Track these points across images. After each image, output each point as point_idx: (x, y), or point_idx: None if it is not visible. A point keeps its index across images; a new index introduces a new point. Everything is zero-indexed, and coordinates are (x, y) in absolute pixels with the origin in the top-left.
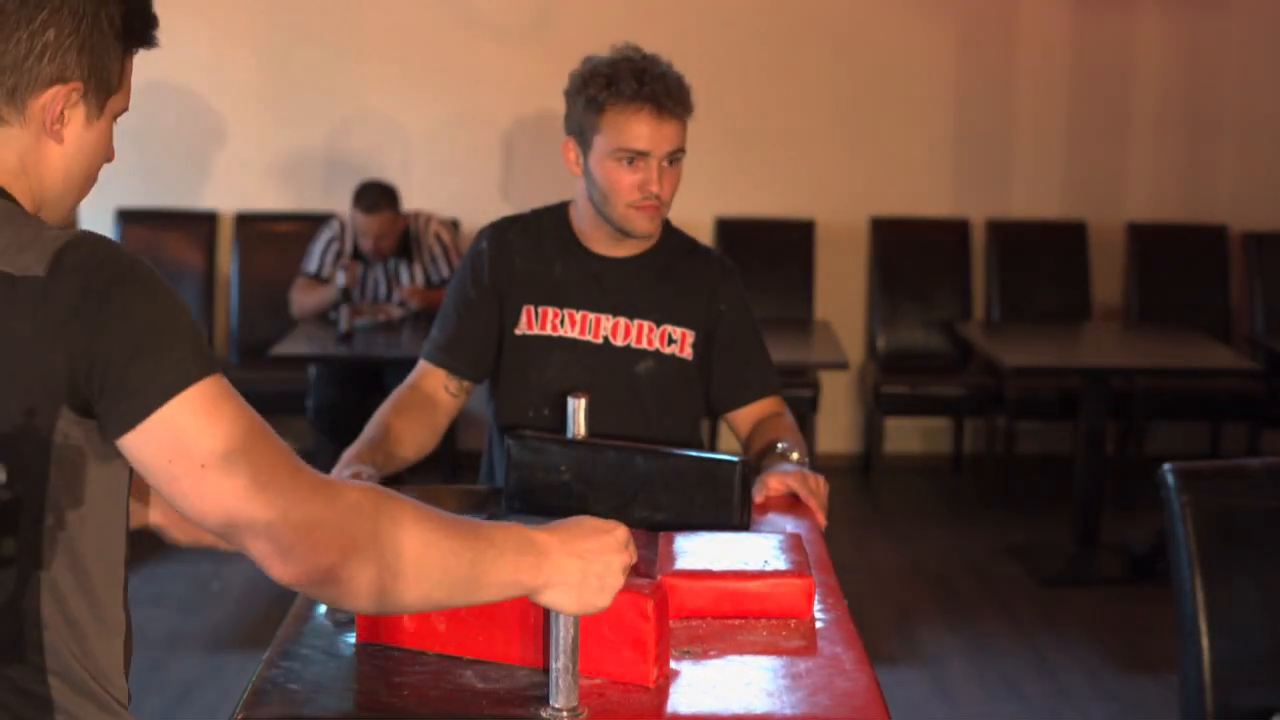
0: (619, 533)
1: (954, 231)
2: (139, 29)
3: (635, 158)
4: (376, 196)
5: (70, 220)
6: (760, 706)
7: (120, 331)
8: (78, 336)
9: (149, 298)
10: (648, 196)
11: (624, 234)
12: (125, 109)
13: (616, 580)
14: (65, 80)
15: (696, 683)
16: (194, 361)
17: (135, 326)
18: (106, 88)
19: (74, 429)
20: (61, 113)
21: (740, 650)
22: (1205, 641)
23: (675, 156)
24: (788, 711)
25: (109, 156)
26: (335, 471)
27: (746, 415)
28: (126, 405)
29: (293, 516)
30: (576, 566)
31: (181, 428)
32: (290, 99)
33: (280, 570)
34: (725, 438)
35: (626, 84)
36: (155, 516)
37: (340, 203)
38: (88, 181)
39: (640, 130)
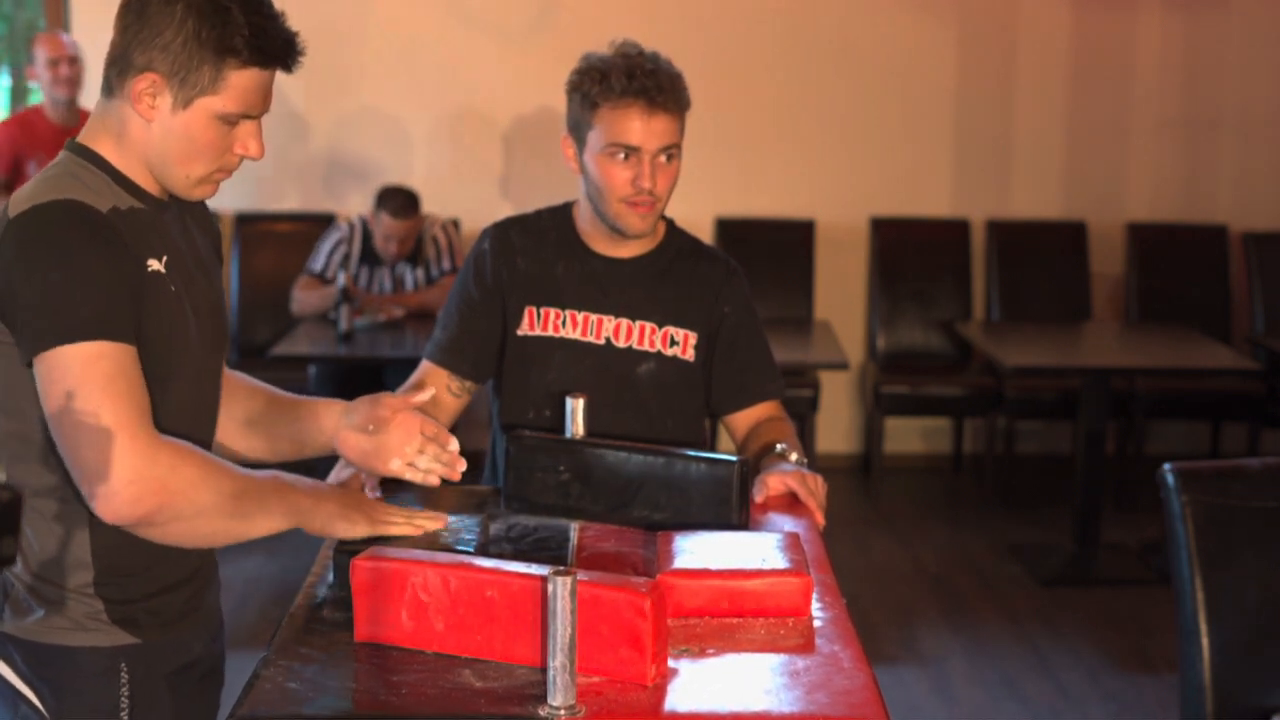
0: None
1: (954, 231)
2: (241, 48)
3: (627, 153)
4: (405, 201)
5: (187, 191)
6: (758, 705)
7: (16, 286)
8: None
9: (38, 267)
10: (640, 192)
11: (619, 232)
12: (235, 112)
13: (364, 516)
14: (151, 70)
15: (694, 681)
16: (51, 332)
17: (25, 288)
18: (191, 87)
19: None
20: (142, 95)
21: (738, 649)
22: (1205, 641)
23: (670, 152)
24: (785, 710)
25: (251, 154)
26: (335, 471)
27: (743, 419)
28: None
29: (109, 473)
30: (331, 509)
31: (40, 380)
32: (290, 98)
33: (101, 512)
34: (727, 438)
35: (618, 80)
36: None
37: (340, 203)
38: (187, 160)
39: (631, 125)
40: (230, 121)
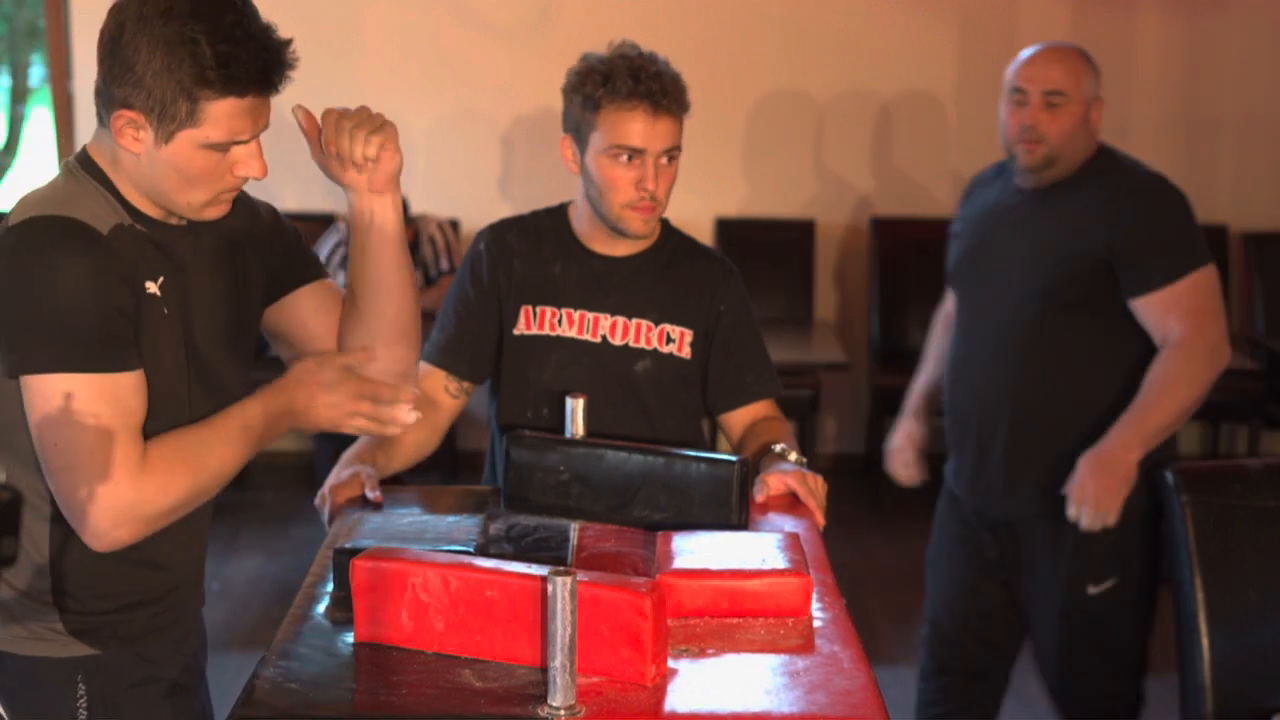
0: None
1: None
2: (214, 80)
3: (631, 155)
4: None
5: (191, 211)
6: (758, 705)
7: (5, 297)
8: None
9: (28, 284)
10: (643, 195)
11: (619, 233)
12: (222, 140)
13: (346, 404)
14: (130, 106)
15: (694, 681)
16: (36, 357)
17: (13, 302)
18: (170, 120)
19: None
20: (124, 130)
21: (738, 649)
22: (1205, 641)
23: (671, 154)
24: (785, 710)
25: (254, 174)
26: (335, 471)
27: (739, 417)
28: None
29: (91, 513)
30: (313, 397)
31: (25, 402)
32: (290, 98)
33: (88, 544)
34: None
35: (622, 81)
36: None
37: (340, 203)
38: (184, 190)
39: (636, 128)
40: (220, 149)
